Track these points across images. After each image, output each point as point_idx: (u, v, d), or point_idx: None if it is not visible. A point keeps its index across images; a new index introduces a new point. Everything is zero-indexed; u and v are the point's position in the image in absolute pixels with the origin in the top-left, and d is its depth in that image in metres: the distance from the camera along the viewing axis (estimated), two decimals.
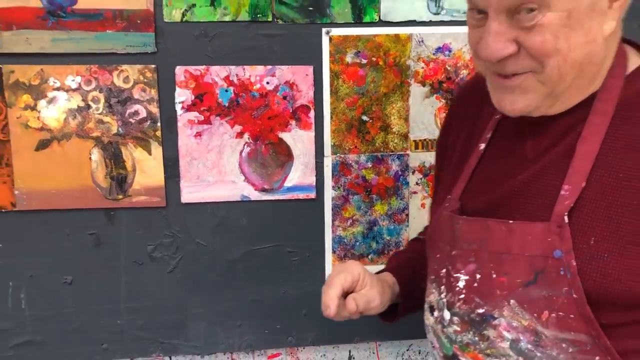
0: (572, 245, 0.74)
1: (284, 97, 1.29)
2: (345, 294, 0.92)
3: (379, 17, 1.29)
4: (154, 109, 1.26)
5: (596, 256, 0.74)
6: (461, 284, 0.84)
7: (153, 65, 1.24)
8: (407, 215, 1.36)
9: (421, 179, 1.36)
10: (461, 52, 1.32)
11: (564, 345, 0.76)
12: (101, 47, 1.22)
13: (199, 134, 1.27)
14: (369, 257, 1.37)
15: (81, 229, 1.28)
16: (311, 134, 1.31)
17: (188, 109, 1.27)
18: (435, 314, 0.89)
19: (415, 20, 1.30)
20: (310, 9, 1.26)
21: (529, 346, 0.78)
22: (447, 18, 1.31)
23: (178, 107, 1.26)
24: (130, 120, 1.26)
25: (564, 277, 0.74)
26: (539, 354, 0.77)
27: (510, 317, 0.79)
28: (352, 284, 0.92)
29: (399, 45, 1.30)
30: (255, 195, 1.32)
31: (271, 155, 1.30)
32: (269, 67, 1.27)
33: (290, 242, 1.35)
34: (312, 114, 1.30)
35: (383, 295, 0.96)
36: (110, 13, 1.21)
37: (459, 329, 0.84)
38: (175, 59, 1.25)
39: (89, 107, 1.24)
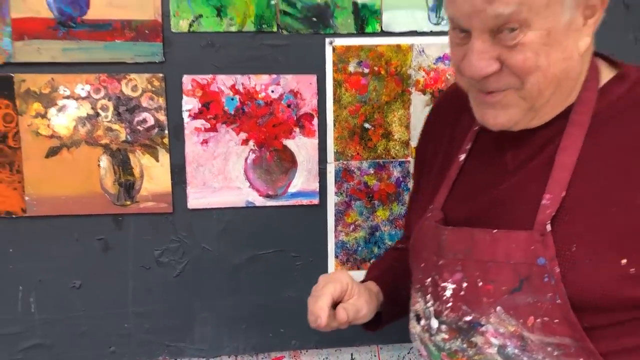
0: (555, 253, 0.77)
1: (289, 105, 1.32)
2: (333, 304, 0.92)
3: (381, 27, 1.31)
4: (162, 117, 1.28)
5: (578, 262, 0.76)
6: (448, 292, 0.85)
7: (161, 74, 1.27)
8: None
9: None
10: None
11: (549, 349, 0.78)
12: (110, 57, 1.25)
13: (205, 141, 1.30)
14: (371, 262, 1.40)
15: (90, 234, 1.31)
16: (315, 141, 1.34)
17: (195, 116, 1.29)
18: (422, 322, 0.90)
19: (416, 31, 1.33)
20: (314, 19, 1.29)
21: (516, 351, 0.80)
22: (447, 28, 1.32)
23: (185, 115, 1.29)
24: (138, 127, 1.28)
25: (548, 283, 0.77)
26: (525, 358, 0.79)
27: (497, 324, 0.81)
28: (341, 293, 0.92)
29: (400, 55, 1.33)
30: (259, 201, 1.34)
31: (275, 162, 1.33)
32: (274, 76, 1.30)
33: (293, 247, 1.37)
34: (315, 121, 1.33)
35: (370, 304, 0.96)
36: (119, 23, 1.24)
37: (447, 336, 0.86)
38: (182, 68, 1.28)
39: (98, 115, 1.27)
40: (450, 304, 0.85)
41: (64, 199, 1.28)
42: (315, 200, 1.36)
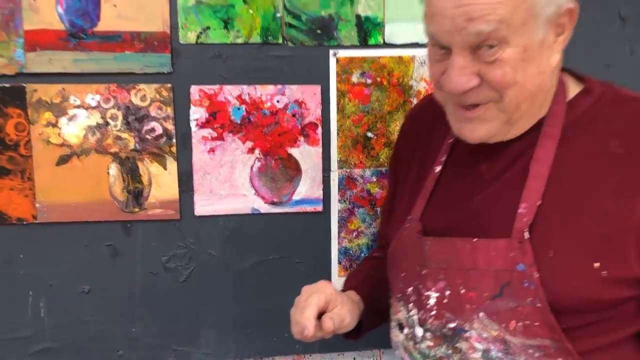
0: (534, 259, 0.80)
1: (293, 115, 1.35)
2: (318, 315, 0.92)
3: (383, 40, 1.34)
4: (170, 126, 1.31)
5: (556, 267, 0.79)
6: (432, 301, 0.87)
7: (169, 85, 1.30)
8: None
9: None
10: None
11: (530, 350, 0.81)
12: (120, 67, 1.28)
13: (212, 150, 1.33)
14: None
15: (99, 241, 1.33)
16: (319, 149, 1.37)
17: (202, 126, 1.32)
18: (406, 330, 0.93)
19: (417, 43, 1.35)
20: (319, 32, 1.32)
21: (499, 354, 0.83)
22: None
23: (192, 124, 1.32)
24: (147, 136, 1.31)
25: (528, 288, 0.80)
26: None
27: (481, 329, 0.83)
28: (326, 304, 0.93)
29: (402, 66, 1.36)
30: (265, 208, 1.37)
31: (280, 170, 1.36)
32: (279, 86, 1.33)
33: (298, 253, 1.39)
34: (319, 130, 1.36)
35: (353, 313, 0.97)
36: (128, 35, 1.27)
37: (432, 344, 0.88)
38: (190, 78, 1.30)
39: (107, 124, 1.30)
40: (434, 312, 0.87)
41: (74, 205, 1.31)
42: (319, 208, 1.39)
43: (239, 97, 1.32)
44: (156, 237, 1.35)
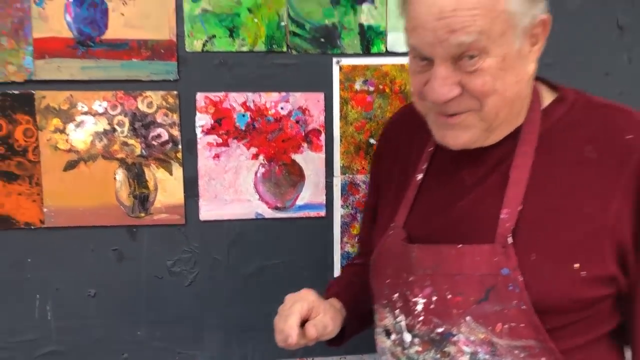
0: (517, 263, 0.83)
1: (297, 122, 1.37)
2: (301, 323, 0.94)
3: (386, 48, 1.36)
4: (176, 132, 1.33)
5: (538, 270, 0.82)
6: (419, 307, 0.89)
7: (175, 92, 1.32)
8: None
9: None
10: None
11: (516, 351, 0.84)
12: (127, 75, 1.30)
13: (217, 156, 1.35)
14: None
15: (105, 245, 1.35)
16: (322, 155, 1.39)
17: (207, 132, 1.34)
18: (393, 337, 0.94)
19: None
20: (322, 40, 1.35)
21: (487, 357, 0.85)
22: None
23: (198, 130, 1.34)
24: (153, 142, 1.33)
25: (512, 291, 0.82)
26: None
27: (468, 333, 0.85)
28: (308, 312, 0.95)
29: (404, 74, 1.38)
30: (268, 213, 1.39)
31: (284, 176, 1.38)
32: (283, 93, 1.35)
33: (301, 257, 1.41)
34: (322, 137, 1.38)
35: (335, 320, 0.99)
36: (135, 43, 1.29)
37: (420, 349, 0.90)
38: (196, 86, 1.32)
39: (114, 130, 1.32)
40: (422, 318, 0.89)
41: (81, 210, 1.32)
42: (322, 213, 1.40)
43: (243, 104, 1.34)
44: (161, 242, 1.36)
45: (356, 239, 1.42)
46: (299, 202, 1.39)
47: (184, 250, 1.37)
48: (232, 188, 1.37)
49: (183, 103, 1.33)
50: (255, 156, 1.36)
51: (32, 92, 1.28)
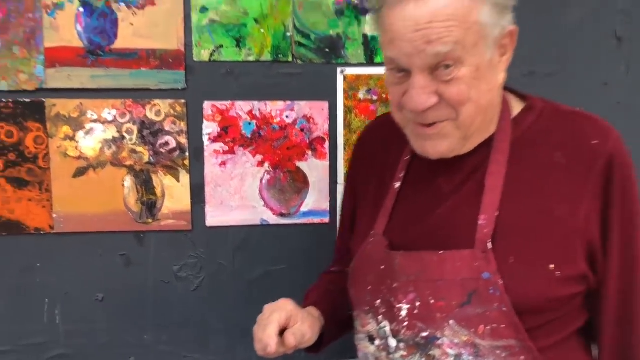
0: (497, 267, 0.86)
1: (302, 130, 1.39)
2: (280, 332, 0.95)
3: None
4: (183, 140, 1.36)
5: (517, 272, 0.86)
6: (404, 312, 0.91)
7: (183, 100, 1.34)
8: None
9: None
10: None
11: (497, 351, 0.87)
12: (135, 84, 1.32)
13: (223, 163, 1.38)
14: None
15: (113, 250, 1.37)
16: (326, 163, 1.41)
17: (214, 140, 1.37)
18: (377, 342, 0.96)
19: None
20: (327, 50, 1.37)
21: (470, 358, 0.88)
22: None
23: (205, 138, 1.36)
24: (161, 150, 1.36)
25: (493, 295, 0.85)
26: None
27: (452, 336, 0.88)
28: (287, 320, 0.96)
29: None
30: (273, 219, 1.41)
31: (289, 183, 1.40)
32: (289, 102, 1.38)
33: (305, 263, 1.43)
34: (327, 145, 1.40)
35: (313, 328, 1.00)
36: (144, 52, 1.32)
37: (405, 353, 0.92)
38: (203, 94, 1.35)
39: (123, 137, 1.34)
40: (406, 323, 0.91)
41: (90, 216, 1.35)
42: (326, 219, 1.43)
43: (249, 113, 1.37)
44: (168, 247, 1.38)
45: None
46: (304, 208, 1.42)
47: (190, 255, 1.40)
48: (238, 195, 1.39)
49: (190, 111, 1.35)
50: (260, 163, 1.39)
51: (43, 100, 1.31)
